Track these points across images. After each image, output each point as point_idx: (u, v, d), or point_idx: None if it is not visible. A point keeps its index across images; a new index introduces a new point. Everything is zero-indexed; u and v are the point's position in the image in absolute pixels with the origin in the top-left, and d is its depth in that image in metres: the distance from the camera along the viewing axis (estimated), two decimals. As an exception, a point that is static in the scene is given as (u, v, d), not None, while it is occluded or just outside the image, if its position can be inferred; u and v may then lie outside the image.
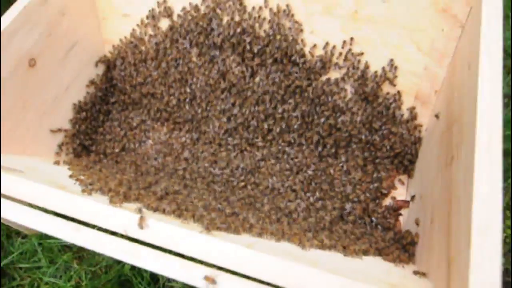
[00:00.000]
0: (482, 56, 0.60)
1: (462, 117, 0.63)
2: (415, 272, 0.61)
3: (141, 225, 0.54)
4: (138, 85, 1.07)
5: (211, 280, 0.47)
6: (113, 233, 0.54)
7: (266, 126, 0.98)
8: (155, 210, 0.61)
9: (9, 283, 0.94)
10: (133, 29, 1.03)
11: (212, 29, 0.93)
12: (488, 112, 0.54)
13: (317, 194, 0.91)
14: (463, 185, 0.53)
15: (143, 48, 1.03)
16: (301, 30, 0.88)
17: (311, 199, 0.90)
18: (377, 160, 0.94)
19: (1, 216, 0.58)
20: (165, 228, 0.53)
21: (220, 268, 0.48)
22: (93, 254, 0.93)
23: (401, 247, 0.73)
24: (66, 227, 0.54)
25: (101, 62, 1.07)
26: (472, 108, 0.56)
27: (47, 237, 0.97)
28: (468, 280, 0.44)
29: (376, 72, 0.88)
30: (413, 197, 0.86)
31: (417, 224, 0.74)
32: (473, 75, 0.60)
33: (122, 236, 0.54)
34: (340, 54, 0.88)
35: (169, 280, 0.87)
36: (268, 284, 0.46)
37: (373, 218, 0.88)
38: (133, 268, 0.88)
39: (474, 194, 0.49)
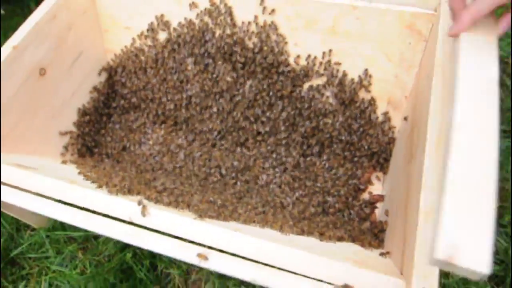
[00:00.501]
0: (436, 69, 0.70)
1: (420, 121, 0.73)
2: (381, 254, 0.70)
3: (143, 213, 0.63)
4: (137, 91, 1.16)
5: (203, 257, 0.56)
6: (120, 220, 0.63)
7: (255, 128, 1.07)
8: (156, 201, 0.70)
9: (19, 271, 1.02)
10: (134, 40, 1.12)
11: (206, 41, 1.03)
12: (437, 118, 0.64)
13: (302, 189, 1.00)
14: (416, 180, 0.63)
15: (142, 57, 1.12)
16: (286, 43, 0.98)
17: (297, 194, 1.00)
18: (356, 159, 1.04)
19: (27, 209, 0.67)
20: (164, 216, 0.62)
21: (211, 248, 0.58)
22: (96, 244, 1.02)
23: (373, 235, 0.83)
24: (80, 215, 0.63)
25: (104, 70, 1.17)
26: (425, 114, 0.66)
27: (54, 229, 1.06)
28: (414, 255, 0.53)
29: (352, 79, 0.98)
30: (383, 196, 0.96)
31: (387, 214, 0.84)
32: (429, 85, 0.70)
33: (127, 222, 0.63)
34: (321, 64, 0.98)
35: (166, 267, 0.96)
36: (250, 260, 0.56)
37: (351, 211, 0.98)
38: (134, 256, 0.97)
39: (422, 187, 0.58)
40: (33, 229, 1.07)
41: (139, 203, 0.66)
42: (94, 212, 0.65)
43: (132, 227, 0.62)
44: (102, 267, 0.97)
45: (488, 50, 0.54)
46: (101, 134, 1.17)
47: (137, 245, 0.59)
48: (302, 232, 0.73)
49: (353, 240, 0.79)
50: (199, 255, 0.56)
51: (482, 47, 0.55)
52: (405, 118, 0.91)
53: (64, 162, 0.99)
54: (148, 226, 0.62)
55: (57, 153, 1.06)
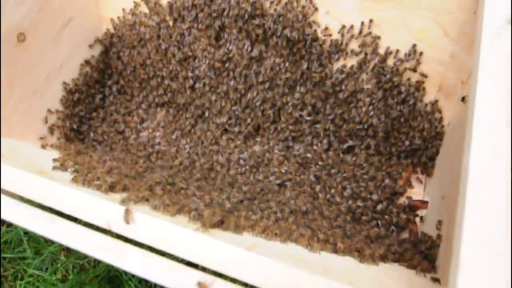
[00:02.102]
0: None
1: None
2: (434, 279, 0.54)
3: (127, 219, 0.47)
4: (136, 67, 0.99)
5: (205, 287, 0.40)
6: (96, 228, 0.47)
7: (273, 115, 0.90)
8: (145, 201, 0.54)
9: (-8, 274, 0.88)
10: (133, 7, 0.95)
11: (219, 7, 0.86)
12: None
13: (327, 191, 0.83)
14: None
15: (143, 27, 0.95)
16: (316, 9, 0.80)
17: (320, 196, 0.83)
18: (393, 156, 0.87)
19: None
20: (154, 224, 0.46)
21: (216, 274, 0.41)
22: (82, 246, 0.87)
23: (420, 253, 0.66)
24: (40, 218, 0.47)
25: (98, 41, 1.00)
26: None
27: (34, 226, 0.91)
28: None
29: (396, 57, 0.79)
30: (427, 202, 0.78)
31: (439, 227, 0.67)
32: (495, 62, 0.52)
33: (104, 231, 0.47)
34: (358, 37, 0.80)
35: (162, 278, 0.80)
36: (272, 294, 0.39)
37: (387, 219, 0.80)
38: (123, 263, 0.81)
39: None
40: (10, 225, 0.92)
41: (123, 202, 0.50)
42: (63, 214, 0.49)
43: (110, 238, 0.45)
44: (86, 273, 0.82)
45: None
46: (93, 116, 1.00)
47: (114, 264, 0.43)
48: (335, 249, 0.56)
49: (398, 259, 0.62)
50: (200, 285, 0.39)
51: None
52: (463, 99, 0.73)
53: (43, 146, 0.83)
54: (131, 237, 0.45)
55: (40, 135, 0.90)
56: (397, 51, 0.79)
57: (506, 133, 0.45)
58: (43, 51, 0.87)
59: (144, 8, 0.95)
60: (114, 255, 0.44)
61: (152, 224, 0.46)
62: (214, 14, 0.87)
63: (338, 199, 0.81)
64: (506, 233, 0.38)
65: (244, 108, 0.91)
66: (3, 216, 0.48)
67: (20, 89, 0.84)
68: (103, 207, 0.48)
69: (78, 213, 0.48)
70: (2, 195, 0.50)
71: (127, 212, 0.47)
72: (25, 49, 0.83)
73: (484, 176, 0.43)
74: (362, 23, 0.78)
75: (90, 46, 0.99)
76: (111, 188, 0.54)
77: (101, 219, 0.48)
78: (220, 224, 0.50)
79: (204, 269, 0.42)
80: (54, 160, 0.65)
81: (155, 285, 0.80)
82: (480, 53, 0.53)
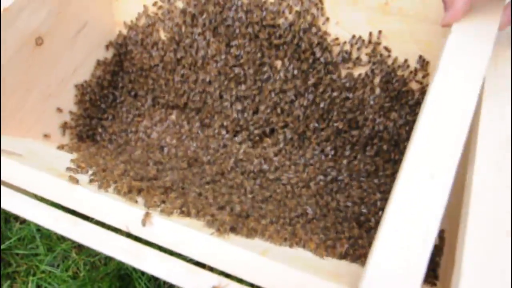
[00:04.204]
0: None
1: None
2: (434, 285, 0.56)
3: (144, 222, 0.49)
4: (148, 71, 1.02)
5: (220, 289, 0.42)
6: (114, 229, 0.50)
7: (281, 122, 0.92)
8: (160, 203, 0.56)
9: (5, 269, 0.90)
10: (146, 12, 0.97)
11: (230, 14, 0.88)
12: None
13: (333, 196, 0.85)
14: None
15: (155, 32, 0.98)
16: (327, 19, 0.82)
17: (327, 201, 0.85)
18: (398, 162, 0.89)
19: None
20: (171, 228, 0.48)
21: (230, 277, 0.43)
22: (93, 245, 0.89)
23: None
24: (62, 219, 0.49)
25: (111, 45, 1.02)
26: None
27: (46, 224, 0.93)
28: None
29: (403, 69, 0.81)
30: None
31: (442, 235, 0.69)
32: (499, 75, 0.55)
33: (123, 233, 0.49)
34: (367, 47, 0.82)
35: (171, 278, 0.83)
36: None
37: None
38: (134, 263, 0.83)
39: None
40: (23, 222, 0.95)
41: (142, 205, 0.52)
42: (82, 216, 0.51)
43: (129, 240, 0.48)
44: (97, 271, 0.84)
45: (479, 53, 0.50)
46: (105, 118, 1.03)
47: (133, 264, 0.45)
48: (341, 255, 0.58)
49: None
50: (215, 288, 0.42)
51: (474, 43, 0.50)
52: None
53: (60, 147, 0.86)
54: (149, 240, 0.47)
55: (54, 136, 0.93)
56: (405, 61, 0.81)
57: (508, 146, 0.47)
58: (58, 55, 0.90)
59: (157, 13, 0.97)
60: (132, 256, 0.46)
61: (169, 227, 0.48)
62: (226, 21, 0.89)
63: (343, 204, 0.83)
64: (508, 243, 0.40)
65: (253, 113, 0.93)
66: (25, 215, 0.50)
67: (36, 92, 0.87)
68: (122, 210, 0.51)
69: (97, 215, 0.51)
70: (24, 195, 0.53)
71: (147, 215, 0.49)
72: (41, 53, 0.85)
73: (487, 188, 0.45)
74: (371, 34, 0.80)
75: (104, 49, 1.01)
76: (129, 191, 0.57)
77: (119, 221, 0.50)
78: (233, 229, 0.53)
79: (218, 272, 0.44)
80: (72, 161, 0.67)
81: (164, 283, 0.83)
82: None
